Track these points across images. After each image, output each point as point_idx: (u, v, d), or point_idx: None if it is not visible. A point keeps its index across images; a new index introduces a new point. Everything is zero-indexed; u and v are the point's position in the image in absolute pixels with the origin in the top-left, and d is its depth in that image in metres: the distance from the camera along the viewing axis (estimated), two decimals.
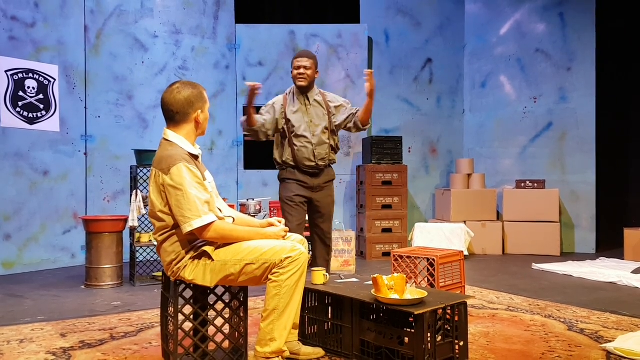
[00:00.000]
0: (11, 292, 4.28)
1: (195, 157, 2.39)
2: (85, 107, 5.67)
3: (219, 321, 2.48)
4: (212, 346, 2.45)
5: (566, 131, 6.49)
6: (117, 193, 5.80)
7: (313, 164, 3.51)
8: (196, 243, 2.34)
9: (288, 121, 3.50)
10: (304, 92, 3.52)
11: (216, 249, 2.32)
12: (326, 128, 3.55)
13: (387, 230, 6.11)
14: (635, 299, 3.97)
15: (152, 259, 5.34)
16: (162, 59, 6.05)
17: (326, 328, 2.72)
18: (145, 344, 2.87)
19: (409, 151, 7.00)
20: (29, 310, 3.65)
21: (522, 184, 6.41)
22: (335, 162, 3.68)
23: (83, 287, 4.45)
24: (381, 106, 6.91)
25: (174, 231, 2.30)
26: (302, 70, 3.47)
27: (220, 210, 2.46)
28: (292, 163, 3.51)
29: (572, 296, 4.05)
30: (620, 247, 5.92)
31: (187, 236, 2.28)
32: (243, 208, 4.97)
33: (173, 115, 2.35)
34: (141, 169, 4.57)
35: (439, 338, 2.39)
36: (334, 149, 3.64)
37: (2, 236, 5.03)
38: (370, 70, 3.44)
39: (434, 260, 3.24)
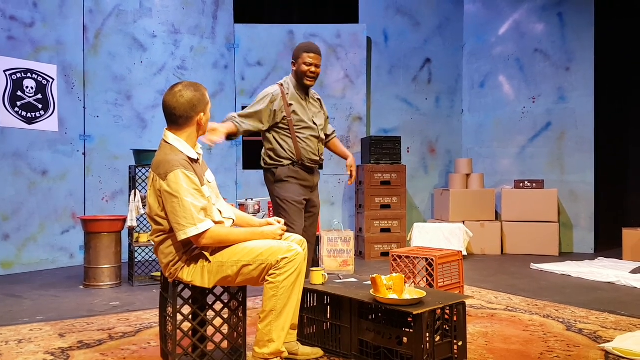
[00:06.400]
0: (10, 292, 4.28)
1: (195, 160, 2.38)
2: (84, 107, 5.67)
3: (217, 321, 2.48)
4: (210, 346, 2.45)
5: (565, 131, 6.50)
6: (115, 193, 5.79)
7: (317, 158, 3.34)
8: (193, 245, 2.33)
9: (293, 112, 3.26)
10: (306, 87, 3.35)
11: (213, 250, 2.32)
12: (322, 126, 3.44)
13: (385, 230, 6.11)
14: (634, 298, 3.98)
15: (150, 259, 5.33)
16: (160, 59, 6.04)
17: (325, 328, 2.72)
18: (144, 344, 2.86)
19: (408, 151, 7.00)
20: (28, 311, 3.65)
21: (521, 184, 6.41)
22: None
23: (81, 287, 4.45)
24: (380, 106, 6.92)
25: (171, 234, 2.30)
26: (313, 69, 3.26)
27: (221, 212, 2.45)
28: (294, 158, 3.25)
29: (571, 296, 4.06)
30: (618, 247, 5.92)
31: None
32: (242, 208, 4.96)
33: (176, 119, 2.32)
34: (140, 168, 4.57)
35: (438, 338, 2.39)
36: None
37: (0, 236, 5.03)
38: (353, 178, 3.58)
39: (432, 260, 3.24)
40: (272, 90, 3.30)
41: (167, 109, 2.32)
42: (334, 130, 3.65)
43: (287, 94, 3.29)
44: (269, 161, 3.33)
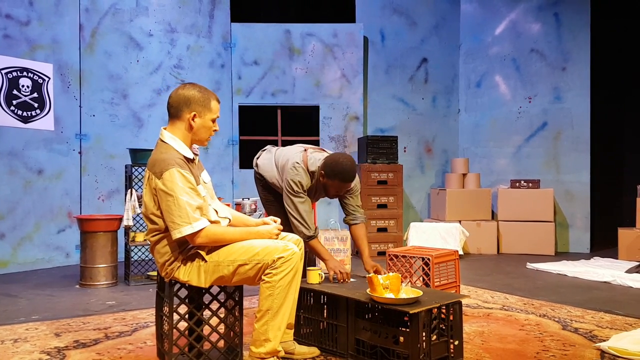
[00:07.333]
0: (5, 291, 4.26)
1: (191, 160, 2.37)
2: (80, 106, 5.65)
3: (214, 320, 2.47)
4: (207, 346, 2.45)
5: (561, 131, 6.51)
6: (111, 192, 5.78)
7: None
8: (189, 244, 2.33)
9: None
10: None
11: (209, 249, 2.31)
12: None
13: (382, 230, 6.11)
14: (629, 298, 3.99)
15: (147, 258, 5.33)
16: (157, 58, 6.03)
17: (321, 327, 2.72)
18: (140, 343, 2.86)
19: (405, 151, 7.01)
20: (23, 310, 3.64)
21: (517, 184, 6.43)
22: None
23: (77, 286, 4.44)
24: (377, 105, 6.92)
25: (166, 233, 2.29)
26: (342, 193, 3.20)
27: (217, 212, 2.45)
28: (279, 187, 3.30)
29: (567, 295, 4.07)
30: (614, 247, 5.94)
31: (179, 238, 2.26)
32: (238, 207, 4.96)
33: (168, 108, 2.36)
34: (136, 168, 4.56)
35: (434, 337, 2.40)
36: None
37: None
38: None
39: (429, 259, 3.24)
40: (305, 182, 3.15)
41: (168, 99, 2.37)
42: (363, 218, 3.34)
43: (312, 180, 3.20)
44: (263, 174, 3.34)
